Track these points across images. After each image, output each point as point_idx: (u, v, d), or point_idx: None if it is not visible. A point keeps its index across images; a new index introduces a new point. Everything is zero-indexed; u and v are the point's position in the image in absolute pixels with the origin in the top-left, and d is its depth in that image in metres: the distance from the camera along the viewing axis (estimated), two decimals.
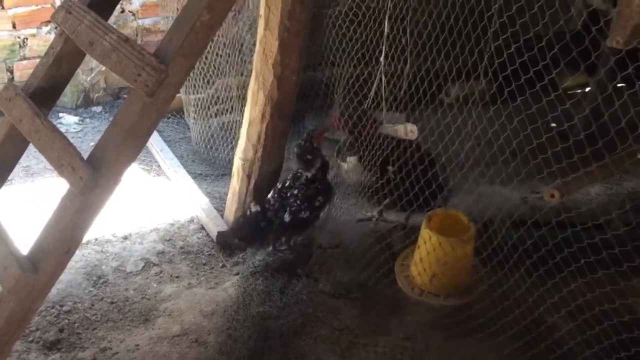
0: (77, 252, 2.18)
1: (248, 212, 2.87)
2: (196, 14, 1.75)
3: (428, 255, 2.59)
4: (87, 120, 4.10)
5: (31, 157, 3.47)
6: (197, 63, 3.44)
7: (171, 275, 2.81)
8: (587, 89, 3.94)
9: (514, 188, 3.06)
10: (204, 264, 2.90)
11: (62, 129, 3.52)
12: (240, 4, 3.49)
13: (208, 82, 3.68)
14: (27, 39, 3.98)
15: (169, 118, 4.07)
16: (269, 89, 2.66)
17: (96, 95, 4.25)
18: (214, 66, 3.61)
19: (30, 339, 2.42)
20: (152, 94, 1.72)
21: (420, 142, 3.13)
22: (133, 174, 3.47)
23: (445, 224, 2.65)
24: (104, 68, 3.92)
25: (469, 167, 2.88)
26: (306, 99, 3.61)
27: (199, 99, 3.75)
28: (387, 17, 2.57)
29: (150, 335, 2.48)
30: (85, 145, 3.69)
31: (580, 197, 3.26)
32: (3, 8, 3.86)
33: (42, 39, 3.99)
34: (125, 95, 4.14)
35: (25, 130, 1.91)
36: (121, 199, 3.03)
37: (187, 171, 3.54)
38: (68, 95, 4.13)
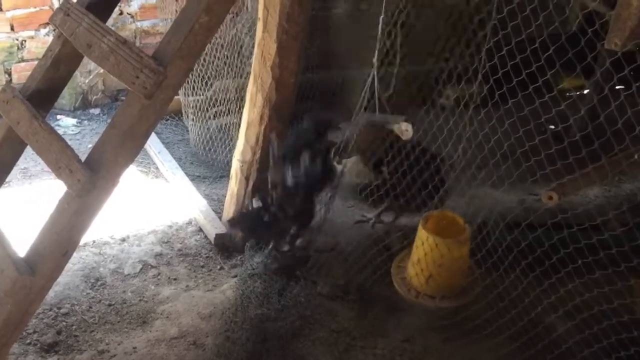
0: (75, 254, 2.18)
1: (250, 208, 2.83)
2: (195, 16, 1.75)
3: (424, 257, 2.59)
4: (85, 122, 4.10)
5: (29, 159, 3.47)
6: (196, 65, 3.44)
7: (169, 278, 2.81)
8: (585, 91, 3.95)
9: (511, 190, 3.07)
10: (202, 266, 2.89)
11: (60, 131, 3.52)
12: (239, 6, 3.50)
13: (206, 84, 3.68)
14: (25, 41, 3.98)
15: (167, 120, 4.08)
16: (267, 91, 2.67)
17: (94, 97, 4.25)
18: (213, 68, 3.61)
19: (28, 341, 2.41)
20: (150, 96, 1.72)
21: (423, 142, 3.11)
22: (131, 176, 3.47)
23: (441, 226, 2.65)
24: (102, 70, 3.92)
25: (465, 169, 2.89)
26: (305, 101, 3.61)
27: (197, 101, 3.75)
28: (381, 18, 2.57)
29: (148, 338, 2.47)
30: (83, 148, 3.69)
31: (578, 199, 3.26)
32: (1, 10, 3.86)
33: (40, 41, 3.99)
34: (123, 98, 4.14)
35: (22, 133, 1.91)
36: (119, 201, 3.03)
37: (185, 173, 3.54)
38: (66, 97, 4.13)
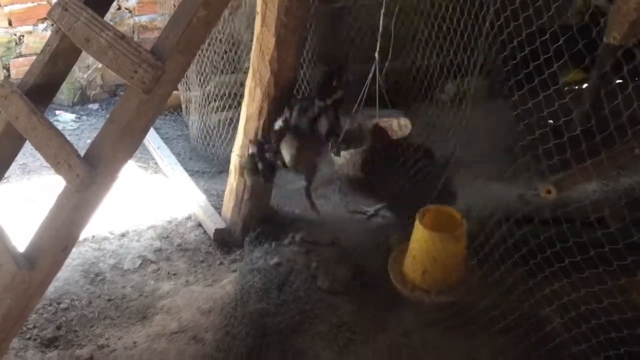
0: (74, 249, 2.19)
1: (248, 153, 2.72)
2: (193, 10, 1.75)
3: (420, 251, 2.59)
4: (84, 117, 4.10)
5: (28, 154, 3.46)
6: (195, 60, 3.44)
7: (169, 273, 2.81)
8: (585, 85, 3.94)
9: (510, 185, 3.07)
10: (202, 261, 2.90)
11: (59, 127, 3.50)
12: (237, 0, 3.49)
13: (205, 79, 3.67)
14: (23, 36, 3.97)
15: (166, 115, 4.07)
16: (266, 85, 2.66)
17: (93, 92, 4.24)
18: (211, 63, 3.61)
19: (28, 336, 2.41)
20: (148, 91, 1.72)
21: (426, 144, 3.10)
22: (130, 172, 3.46)
23: (438, 220, 2.65)
24: (100, 65, 3.91)
25: (464, 164, 2.89)
26: None
27: (196, 95, 3.74)
28: (382, 13, 2.56)
29: (148, 333, 2.48)
30: (82, 143, 3.68)
31: (576, 193, 3.26)
32: None
33: (38, 36, 3.98)
34: (122, 93, 4.13)
35: (21, 128, 1.90)
36: (118, 196, 3.03)
37: (185, 168, 3.54)
38: (65, 92, 4.12)
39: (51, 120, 1.92)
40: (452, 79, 3.27)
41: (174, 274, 2.80)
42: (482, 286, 2.50)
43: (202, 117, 3.71)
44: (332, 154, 3.03)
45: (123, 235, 3.01)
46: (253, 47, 2.67)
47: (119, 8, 4.10)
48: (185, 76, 3.61)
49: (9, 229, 1.95)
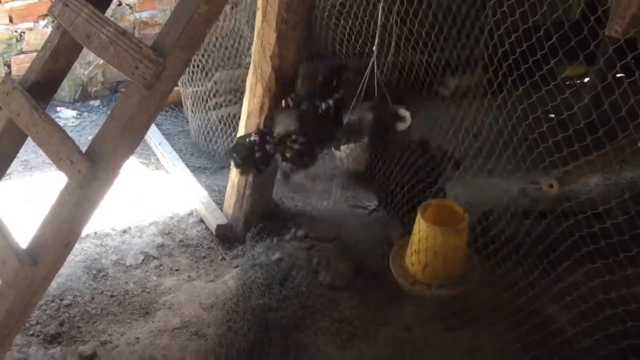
0: (77, 245, 2.19)
1: (247, 140, 2.66)
2: (193, 6, 1.74)
3: (421, 245, 2.59)
4: (85, 114, 4.10)
5: (29, 151, 3.46)
6: (195, 55, 3.43)
7: (171, 269, 2.81)
8: (586, 79, 3.94)
9: (512, 179, 3.06)
10: (204, 257, 2.90)
11: (60, 123, 3.50)
12: None
13: (206, 74, 3.67)
14: (24, 32, 3.97)
15: (167, 111, 4.07)
16: (267, 81, 2.66)
17: (94, 89, 4.24)
18: (212, 59, 3.60)
19: (31, 332, 2.42)
20: (150, 87, 1.72)
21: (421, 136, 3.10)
22: (132, 168, 3.47)
23: (440, 214, 2.65)
24: (101, 61, 3.92)
25: (466, 159, 2.88)
26: None
27: (197, 91, 3.74)
28: (380, 6, 2.55)
29: (151, 328, 2.48)
30: (84, 139, 3.69)
31: (579, 187, 3.26)
32: (0, 2, 3.84)
33: (39, 33, 3.97)
34: (123, 89, 4.13)
35: (23, 124, 1.91)
36: (120, 192, 3.03)
37: (186, 164, 3.54)
38: (66, 89, 4.12)
39: (52, 117, 1.92)
40: (453, 73, 3.27)
41: (176, 270, 2.81)
42: (484, 280, 2.50)
43: (203, 112, 3.71)
44: (332, 148, 3.02)
45: (125, 231, 3.01)
46: (254, 43, 2.67)
47: (120, 4, 4.10)
48: (186, 72, 3.60)
49: (11, 225, 1.96)
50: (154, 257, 2.87)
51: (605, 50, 2.88)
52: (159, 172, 3.55)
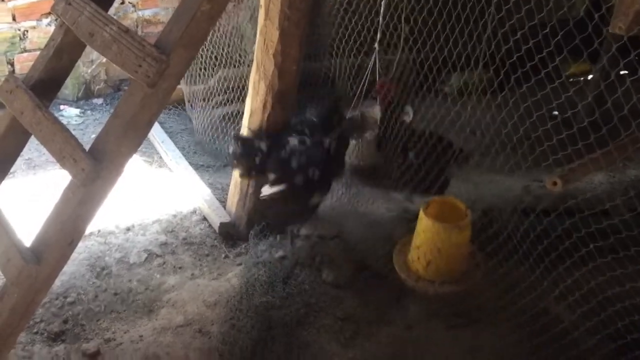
0: (80, 243, 2.19)
1: (255, 144, 2.68)
2: (196, 4, 1.74)
3: (424, 242, 2.60)
4: (88, 112, 4.10)
5: (33, 149, 3.47)
6: (198, 54, 3.43)
7: (174, 267, 2.82)
8: (590, 77, 3.92)
9: (515, 177, 3.06)
10: (207, 255, 2.90)
11: (64, 122, 3.51)
12: None
13: (209, 73, 3.67)
14: (27, 31, 3.97)
15: (170, 109, 4.07)
16: (270, 78, 2.66)
17: (97, 87, 4.25)
18: (215, 57, 3.60)
19: (35, 330, 2.43)
20: (153, 85, 1.72)
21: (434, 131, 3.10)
22: (135, 166, 3.47)
23: (443, 211, 2.66)
24: (104, 60, 3.92)
25: (470, 156, 2.88)
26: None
27: (200, 90, 3.74)
28: (382, 3, 2.55)
29: (154, 326, 2.49)
30: (87, 138, 3.69)
31: (583, 185, 3.26)
32: (3, 0, 3.85)
33: (42, 31, 3.98)
34: (126, 87, 4.13)
35: (26, 123, 1.91)
36: (123, 190, 3.03)
37: (189, 162, 3.54)
38: (69, 87, 4.13)
39: (56, 115, 1.92)
40: (457, 72, 3.27)
41: (180, 268, 2.81)
42: (488, 277, 2.50)
43: (206, 111, 3.71)
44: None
45: (128, 229, 3.02)
46: (257, 40, 2.67)
47: (123, 2, 4.10)
48: (188, 70, 3.60)
49: (15, 223, 1.96)
50: (158, 255, 2.87)
51: (608, 48, 2.88)
52: (162, 170, 3.55)
